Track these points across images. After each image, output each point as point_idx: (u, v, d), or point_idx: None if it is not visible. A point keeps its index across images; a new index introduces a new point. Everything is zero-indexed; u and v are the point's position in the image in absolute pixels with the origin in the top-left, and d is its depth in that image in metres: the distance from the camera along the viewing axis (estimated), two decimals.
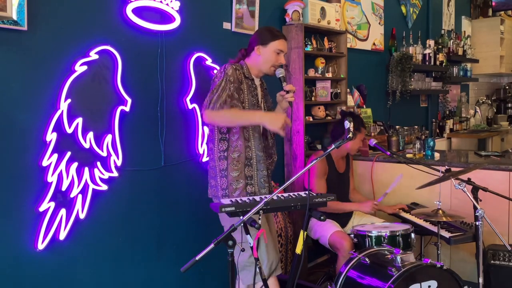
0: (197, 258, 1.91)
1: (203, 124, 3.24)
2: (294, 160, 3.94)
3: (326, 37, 4.26)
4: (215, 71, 3.32)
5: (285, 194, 2.39)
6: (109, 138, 2.77)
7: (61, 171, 2.56)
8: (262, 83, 2.87)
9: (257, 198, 2.36)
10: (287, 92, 2.67)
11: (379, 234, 2.96)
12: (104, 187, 2.76)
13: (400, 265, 2.51)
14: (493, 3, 7.08)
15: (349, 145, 3.45)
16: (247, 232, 2.12)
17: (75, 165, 2.62)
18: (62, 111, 2.55)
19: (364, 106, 4.82)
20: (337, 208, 3.42)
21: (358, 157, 4.20)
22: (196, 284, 3.31)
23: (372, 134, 4.49)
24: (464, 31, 7.24)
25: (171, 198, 3.14)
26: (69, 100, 2.57)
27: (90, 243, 2.73)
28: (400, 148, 4.49)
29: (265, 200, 2.08)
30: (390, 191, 3.30)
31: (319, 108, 4.16)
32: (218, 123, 2.63)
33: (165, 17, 3.01)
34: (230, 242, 1.96)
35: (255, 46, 2.73)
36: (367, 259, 2.70)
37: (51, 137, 2.51)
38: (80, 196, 2.64)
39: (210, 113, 2.56)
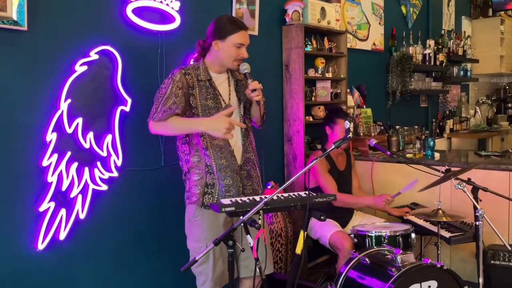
0: (197, 258, 1.91)
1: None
2: (294, 160, 3.93)
3: (326, 37, 4.26)
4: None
5: (285, 194, 2.39)
6: (109, 138, 2.77)
7: (61, 171, 2.56)
8: (231, 76, 2.65)
9: (257, 198, 2.35)
10: (253, 90, 2.44)
11: (379, 234, 2.96)
12: (104, 187, 2.76)
13: (400, 265, 2.51)
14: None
15: (332, 138, 3.49)
16: (247, 232, 2.12)
17: (75, 165, 2.62)
18: (62, 111, 2.55)
19: (364, 106, 4.82)
20: (349, 202, 3.44)
21: (358, 157, 4.20)
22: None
23: (372, 134, 4.49)
24: (464, 31, 7.24)
25: (171, 198, 3.13)
26: (69, 100, 2.57)
27: (90, 243, 2.73)
28: (400, 148, 4.49)
29: (265, 200, 2.08)
30: (403, 192, 3.31)
31: (319, 108, 4.16)
32: (163, 133, 2.52)
33: (165, 17, 3.01)
34: (230, 242, 1.96)
35: (212, 41, 2.50)
36: (367, 259, 2.70)
37: (51, 137, 2.51)
38: (80, 196, 2.64)
39: (153, 124, 2.46)
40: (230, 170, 2.53)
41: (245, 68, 2.50)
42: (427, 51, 5.83)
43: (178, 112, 2.43)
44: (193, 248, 2.61)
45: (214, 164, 2.52)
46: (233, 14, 3.49)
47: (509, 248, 2.70)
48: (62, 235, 2.57)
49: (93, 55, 2.67)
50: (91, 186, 2.70)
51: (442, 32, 6.57)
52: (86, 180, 2.67)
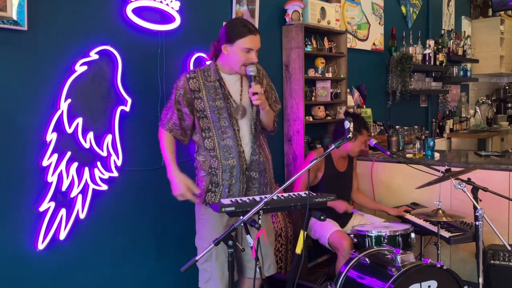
0: (197, 258, 1.91)
1: None
2: (294, 160, 3.94)
3: (326, 37, 4.26)
4: None
5: (285, 194, 2.39)
6: (109, 138, 2.77)
7: (61, 171, 2.56)
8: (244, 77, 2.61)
9: (257, 198, 2.36)
10: (254, 93, 2.43)
11: (379, 234, 2.96)
12: (104, 187, 2.76)
13: (400, 265, 2.51)
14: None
15: (348, 146, 3.44)
16: (247, 232, 2.12)
17: (75, 165, 2.62)
18: (62, 111, 2.55)
19: (364, 106, 4.82)
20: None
21: (358, 157, 4.19)
22: (196, 284, 3.30)
23: (372, 134, 4.49)
24: (464, 31, 7.24)
25: (171, 198, 3.12)
26: (69, 100, 2.57)
27: (90, 243, 2.73)
28: (400, 148, 4.49)
29: (265, 200, 2.08)
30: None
31: (319, 108, 4.16)
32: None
33: (165, 17, 3.01)
34: (230, 242, 1.96)
35: (221, 45, 2.50)
36: (367, 259, 2.70)
37: (51, 137, 2.51)
38: (80, 196, 2.64)
39: (159, 130, 2.63)
40: (237, 170, 2.55)
41: (251, 70, 2.46)
42: (427, 51, 5.83)
43: (182, 125, 2.58)
44: (199, 246, 2.64)
45: (220, 166, 2.55)
46: (233, 14, 3.49)
47: (509, 248, 2.70)
48: (62, 235, 2.57)
49: (93, 55, 2.67)
50: (91, 186, 2.70)
51: (442, 32, 6.57)
52: (86, 180, 2.67)
